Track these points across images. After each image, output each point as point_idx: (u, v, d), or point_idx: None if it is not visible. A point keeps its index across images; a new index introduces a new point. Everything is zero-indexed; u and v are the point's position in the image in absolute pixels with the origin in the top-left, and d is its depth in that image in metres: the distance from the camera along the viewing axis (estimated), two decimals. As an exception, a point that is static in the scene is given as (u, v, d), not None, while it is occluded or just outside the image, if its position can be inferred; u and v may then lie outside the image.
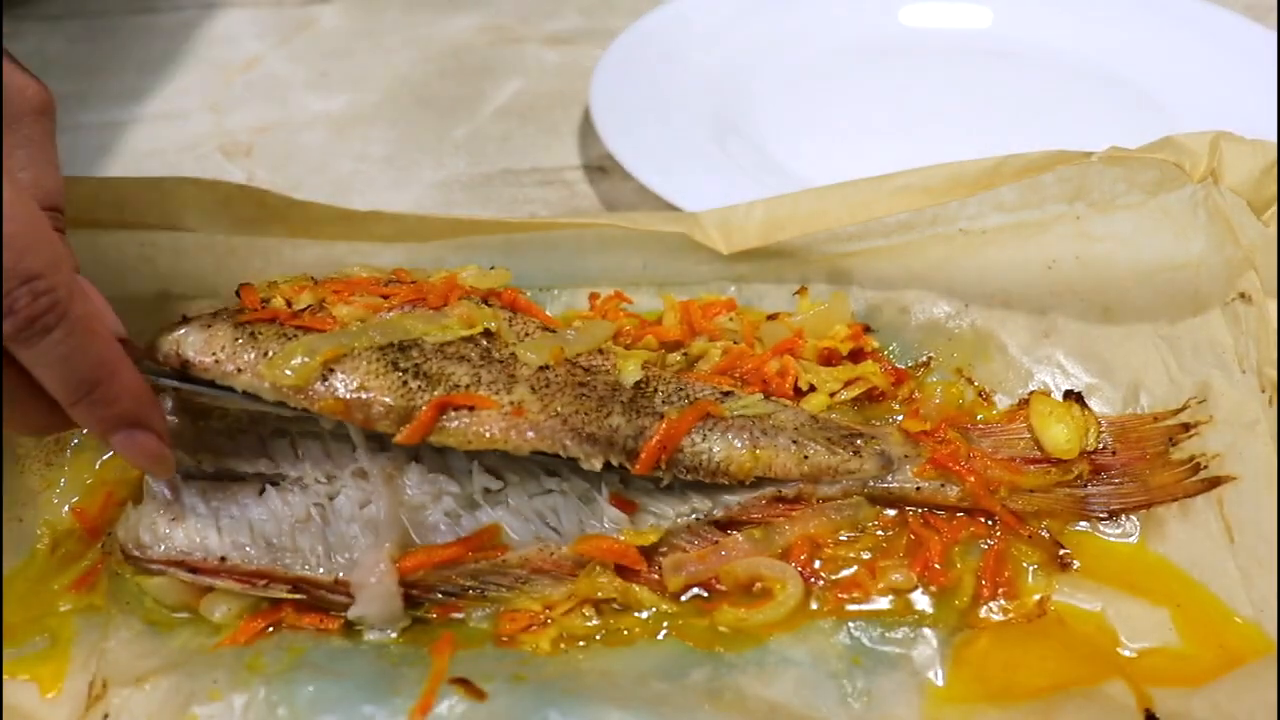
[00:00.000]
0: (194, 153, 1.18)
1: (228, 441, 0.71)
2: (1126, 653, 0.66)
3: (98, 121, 1.26)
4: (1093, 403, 0.77)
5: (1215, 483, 0.71)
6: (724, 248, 0.85)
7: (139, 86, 1.28)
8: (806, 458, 0.71)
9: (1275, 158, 0.75)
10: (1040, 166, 0.80)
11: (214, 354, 0.65)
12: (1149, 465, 0.74)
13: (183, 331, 0.66)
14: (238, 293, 0.73)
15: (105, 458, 0.80)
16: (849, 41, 1.32)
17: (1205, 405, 0.75)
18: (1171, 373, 0.78)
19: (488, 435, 0.65)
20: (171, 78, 1.28)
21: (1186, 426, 0.74)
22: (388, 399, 0.64)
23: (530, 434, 0.66)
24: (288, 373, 0.64)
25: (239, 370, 0.65)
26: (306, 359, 0.65)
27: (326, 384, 0.64)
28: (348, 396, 0.64)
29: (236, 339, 0.66)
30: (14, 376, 0.59)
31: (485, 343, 0.71)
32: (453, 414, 0.65)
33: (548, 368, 0.70)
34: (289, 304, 0.71)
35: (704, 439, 0.70)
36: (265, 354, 0.65)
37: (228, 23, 1.37)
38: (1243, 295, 0.75)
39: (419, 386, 0.65)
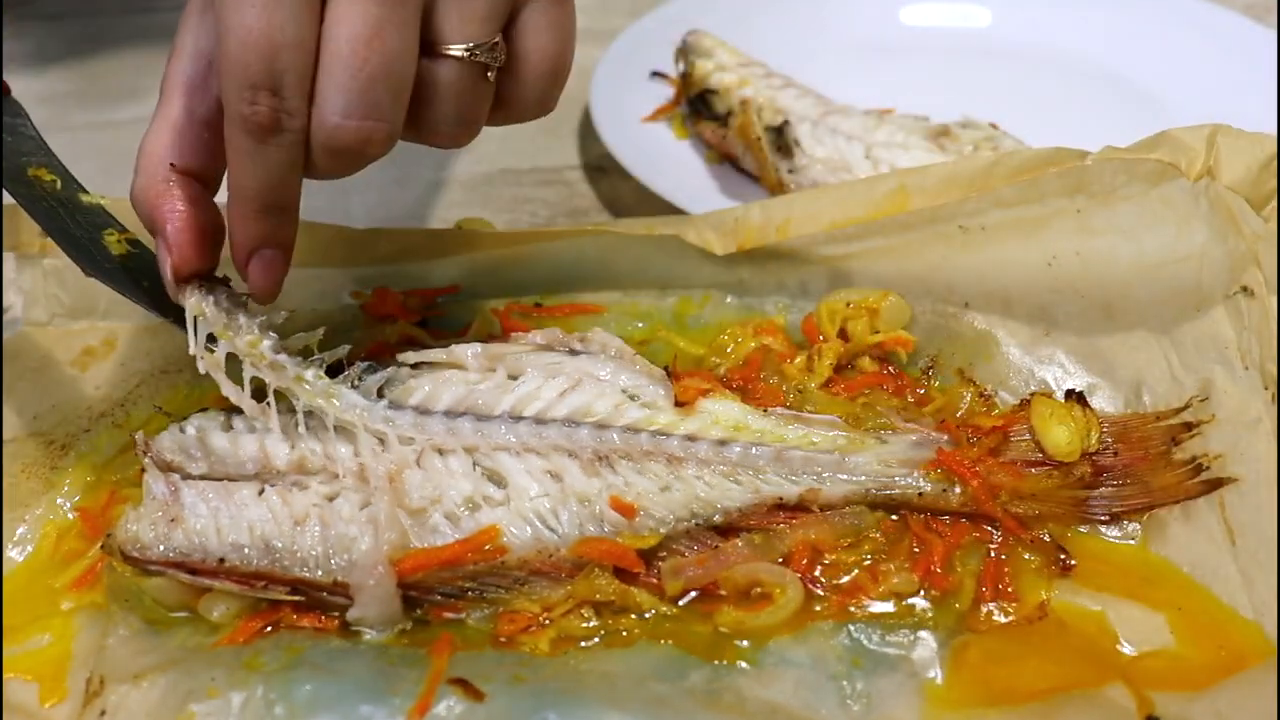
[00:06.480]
0: (194, 152, 1.17)
1: (228, 444, 0.71)
2: (1127, 653, 0.66)
3: (98, 121, 1.25)
4: (1095, 401, 0.77)
5: (1217, 484, 0.71)
6: (719, 249, 0.85)
7: (139, 86, 1.28)
8: None
9: (1274, 151, 0.73)
10: (1035, 168, 0.79)
11: None
12: (1151, 466, 0.73)
13: None
14: None
15: (107, 459, 0.80)
16: (849, 41, 1.32)
17: (1208, 403, 0.74)
18: (1174, 370, 0.77)
19: None
20: (172, 77, 1.27)
21: (1189, 426, 0.73)
22: None
23: None
24: None
25: None
26: None
27: None
28: None
29: None
30: None
31: None
32: None
33: None
34: None
35: None
36: None
37: (228, 22, 1.37)
38: (1245, 289, 0.73)
39: None
